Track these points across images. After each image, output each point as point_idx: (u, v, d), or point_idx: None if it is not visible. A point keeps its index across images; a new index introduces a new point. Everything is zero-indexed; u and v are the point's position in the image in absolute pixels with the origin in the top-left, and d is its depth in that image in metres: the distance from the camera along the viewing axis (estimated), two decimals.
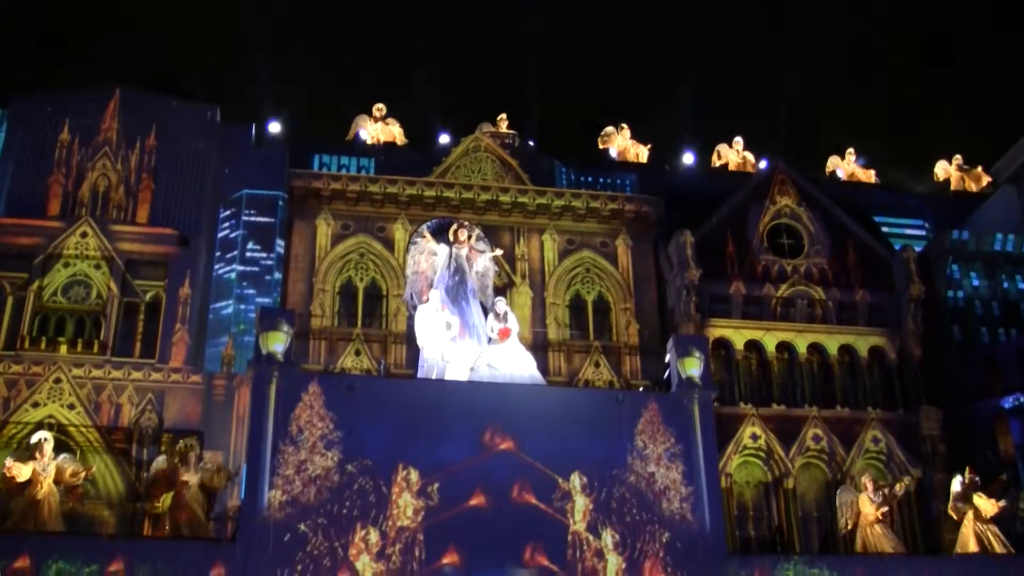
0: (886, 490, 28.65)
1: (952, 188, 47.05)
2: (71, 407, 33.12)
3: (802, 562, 24.87)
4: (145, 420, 32.90)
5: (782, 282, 36.68)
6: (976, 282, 40.04)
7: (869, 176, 46.51)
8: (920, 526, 32.41)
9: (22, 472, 25.13)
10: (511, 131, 41.84)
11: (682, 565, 23.93)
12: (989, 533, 27.63)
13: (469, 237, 29.39)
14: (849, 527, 28.69)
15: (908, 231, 43.46)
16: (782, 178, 38.92)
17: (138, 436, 32.32)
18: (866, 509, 28.18)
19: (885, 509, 28.25)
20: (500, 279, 33.79)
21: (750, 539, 32.94)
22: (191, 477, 26.13)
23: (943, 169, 47.50)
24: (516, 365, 26.90)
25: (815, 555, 26.59)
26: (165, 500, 26.10)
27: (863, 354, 36.17)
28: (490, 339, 27.78)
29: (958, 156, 47.46)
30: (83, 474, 26.36)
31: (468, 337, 27.73)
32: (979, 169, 47.28)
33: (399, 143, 41.86)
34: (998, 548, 27.36)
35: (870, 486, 28.40)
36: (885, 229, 41.81)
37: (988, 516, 27.87)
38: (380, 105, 42.43)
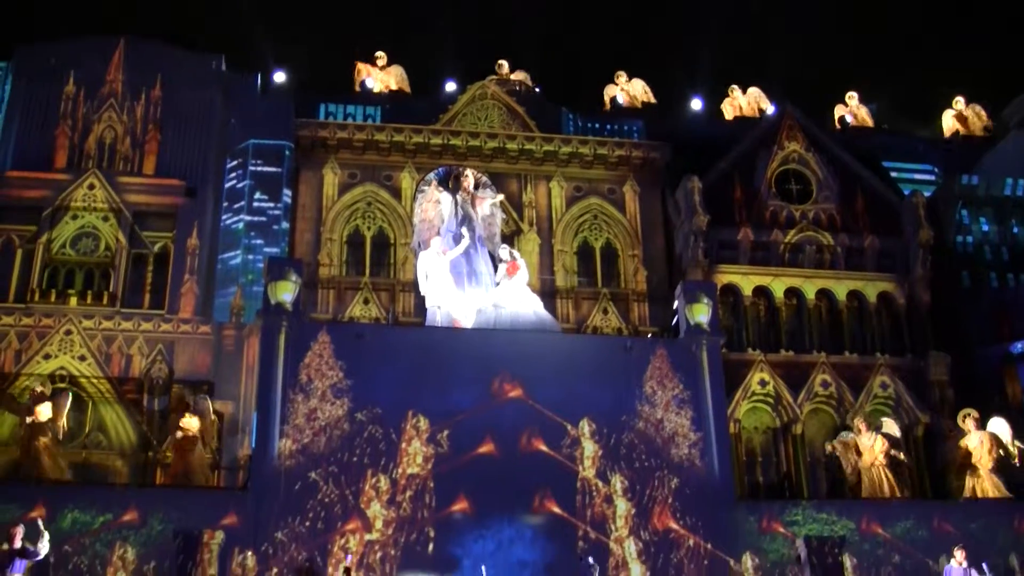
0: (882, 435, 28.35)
1: (959, 132, 46.71)
2: (82, 359, 33.22)
3: (810, 507, 24.98)
4: (156, 371, 33.00)
5: (790, 228, 36.59)
6: (986, 227, 39.85)
7: (877, 122, 46.18)
8: (928, 471, 32.48)
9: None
10: (522, 73, 41.55)
11: (691, 510, 24.07)
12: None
13: (472, 184, 29.29)
14: (850, 472, 28.47)
15: (917, 176, 43.16)
16: (790, 123, 38.73)
17: (149, 387, 32.41)
18: (863, 452, 27.90)
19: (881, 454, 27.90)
20: (508, 226, 33.73)
21: (758, 485, 33.06)
22: (189, 422, 25.87)
23: (950, 116, 47.14)
24: (521, 303, 26.92)
25: (823, 500, 26.64)
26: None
27: (872, 300, 36.14)
28: (498, 282, 27.77)
29: (960, 98, 47.05)
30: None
31: (476, 285, 27.72)
32: (980, 110, 46.85)
33: (405, 91, 41.63)
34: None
35: (863, 428, 28.08)
36: (894, 174, 41.58)
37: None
38: (381, 53, 42.14)
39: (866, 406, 33.47)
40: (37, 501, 21.74)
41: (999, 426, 28.56)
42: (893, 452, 28.03)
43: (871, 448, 27.64)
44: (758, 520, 24.37)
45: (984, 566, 22.51)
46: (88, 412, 32.42)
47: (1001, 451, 28.13)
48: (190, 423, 25.48)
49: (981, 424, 28.94)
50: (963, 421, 29.20)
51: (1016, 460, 27.93)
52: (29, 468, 24.39)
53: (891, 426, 28.78)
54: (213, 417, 26.28)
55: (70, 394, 26.27)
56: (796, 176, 37.83)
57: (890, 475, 27.40)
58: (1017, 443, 28.04)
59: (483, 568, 20.77)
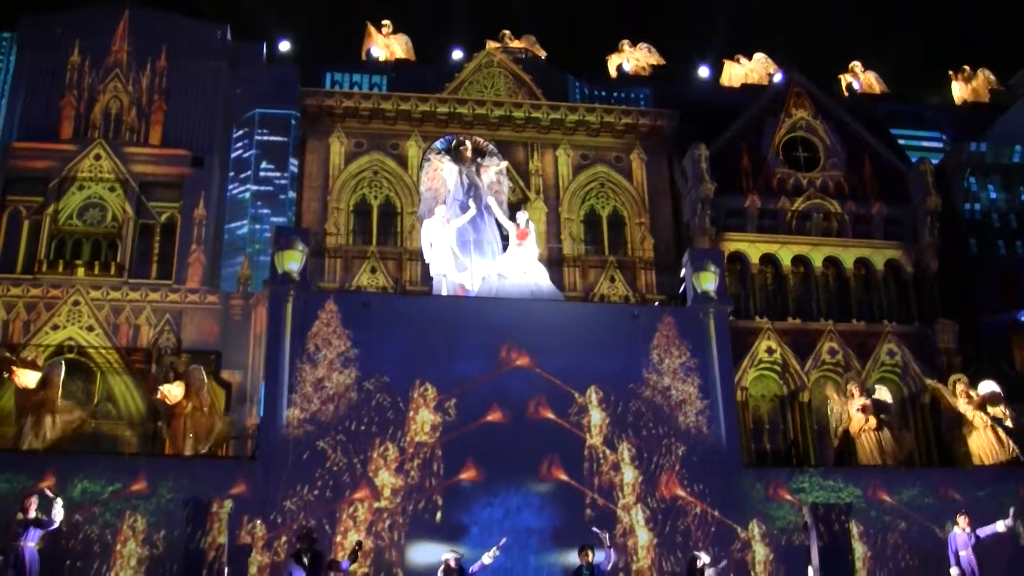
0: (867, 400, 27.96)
1: (967, 99, 46.51)
2: (90, 329, 33.31)
3: (817, 474, 25.01)
4: (163, 341, 33.09)
5: (797, 195, 36.54)
6: (993, 194, 39.73)
7: (885, 89, 46.01)
8: (935, 438, 32.50)
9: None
10: (529, 38, 41.42)
11: (698, 478, 24.10)
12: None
13: (474, 152, 29.23)
14: (838, 438, 28.21)
15: (925, 143, 43.05)
16: (797, 91, 38.62)
17: (157, 357, 32.50)
18: (854, 417, 27.65)
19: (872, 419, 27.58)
20: (514, 195, 33.69)
21: (765, 452, 33.14)
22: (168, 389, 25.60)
23: (959, 83, 46.93)
24: (526, 274, 26.89)
25: (830, 467, 26.66)
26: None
27: (879, 267, 36.11)
28: (505, 246, 27.75)
29: (966, 67, 46.88)
30: None
31: (481, 254, 27.71)
32: (989, 75, 46.65)
33: (411, 59, 41.52)
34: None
35: (856, 392, 27.84)
36: (901, 142, 41.46)
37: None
38: (386, 22, 42.02)
39: (873, 373, 33.49)
40: (47, 471, 21.82)
41: (990, 387, 28.43)
42: (875, 413, 27.51)
43: (859, 409, 27.39)
44: (765, 487, 24.40)
45: (1011, 512, 22.64)
46: (97, 382, 32.54)
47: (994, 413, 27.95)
48: (169, 390, 25.22)
49: (972, 387, 28.80)
50: (953, 386, 29.09)
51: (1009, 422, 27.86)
52: (16, 438, 24.33)
53: (883, 393, 28.57)
54: (204, 381, 25.89)
55: (62, 363, 26.20)
56: (803, 143, 37.75)
57: (878, 438, 27.11)
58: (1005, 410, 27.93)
59: (502, 541, 20.74)
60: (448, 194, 28.88)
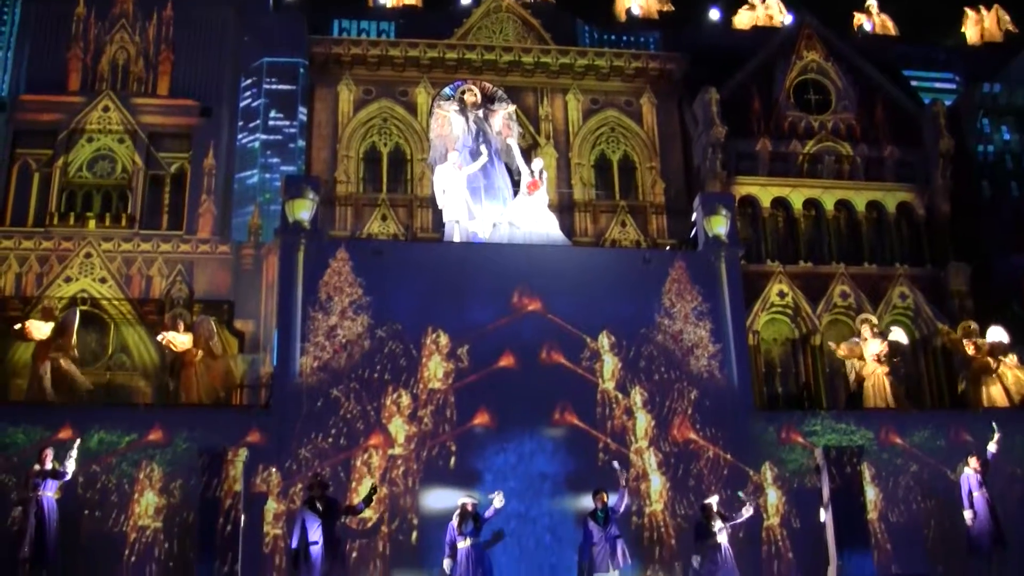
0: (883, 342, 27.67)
1: (981, 40, 46.10)
2: (102, 281, 33.41)
3: (829, 417, 25.01)
4: (176, 291, 33.17)
5: (809, 138, 36.36)
6: (1007, 136, 39.51)
7: (897, 29, 45.63)
8: (947, 381, 32.50)
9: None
10: None
11: (710, 422, 24.12)
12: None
13: (483, 97, 29.07)
14: (853, 379, 27.77)
15: (938, 85, 42.79)
16: (809, 32, 38.30)
17: (170, 307, 32.58)
18: (867, 357, 27.20)
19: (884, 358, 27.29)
20: (524, 140, 33.54)
21: (777, 395, 33.21)
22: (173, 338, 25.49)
23: (972, 23, 46.50)
24: (537, 223, 26.80)
25: (842, 410, 26.69)
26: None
27: (891, 210, 35.99)
28: (516, 192, 27.65)
29: (980, 6, 46.46)
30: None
31: (493, 199, 27.62)
32: (1003, 14, 46.22)
33: (419, 5, 41.24)
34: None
35: (867, 333, 27.63)
36: (914, 83, 41.20)
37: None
38: None
39: (885, 316, 33.45)
40: (64, 422, 21.93)
41: (998, 335, 28.16)
42: (889, 357, 27.20)
43: (875, 355, 27.12)
44: (777, 431, 24.40)
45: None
46: (110, 334, 32.67)
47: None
48: (175, 337, 25.08)
49: (981, 334, 28.55)
50: (963, 333, 28.89)
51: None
52: (35, 391, 24.33)
53: (899, 335, 28.42)
54: (213, 331, 25.71)
55: (76, 310, 26.21)
56: (815, 86, 37.51)
57: (889, 382, 26.90)
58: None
59: (499, 495, 20.74)
60: (457, 140, 28.70)
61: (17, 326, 25.86)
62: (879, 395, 26.56)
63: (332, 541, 19.51)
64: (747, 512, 21.53)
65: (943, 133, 36.07)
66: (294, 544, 19.59)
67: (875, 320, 28.37)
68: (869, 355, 27.00)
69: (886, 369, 26.81)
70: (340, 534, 20.05)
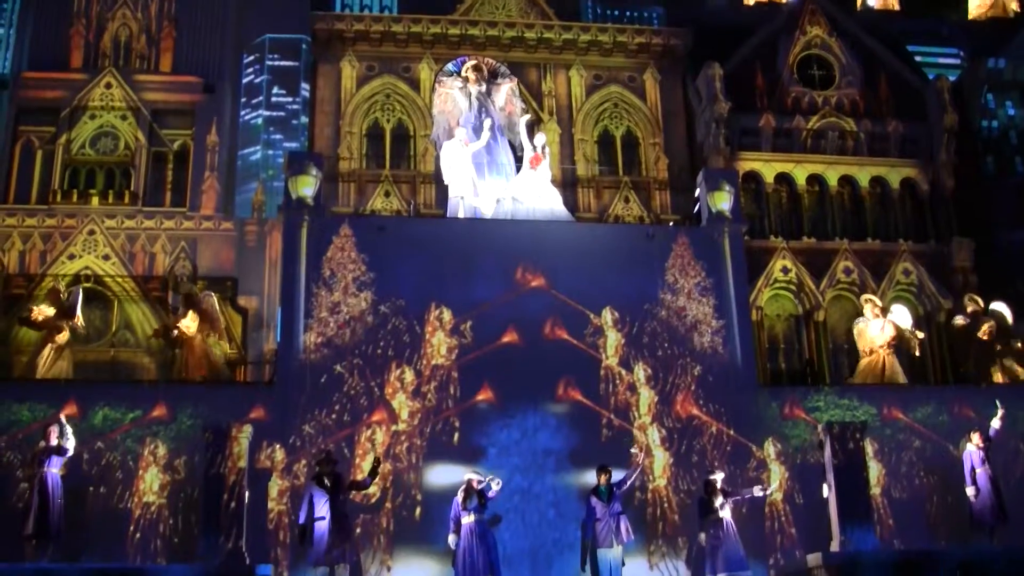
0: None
1: (984, 15, 46.00)
2: (106, 258, 33.47)
3: (832, 393, 25.00)
4: (179, 268, 33.25)
5: (813, 114, 36.25)
6: (1012, 111, 39.47)
7: (901, 4, 45.53)
8: (950, 357, 32.49)
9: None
10: None
11: (713, 397, 24.12)
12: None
13: (484, 73, 28.98)
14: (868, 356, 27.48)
15: (942, 60, 42.77)
16: (813, 7, 38.13)
17: (173, 284, 32.66)
18: (870, 335, 27.03)
19: (890, 336, 27.03)
20: (526, 113, 33.44)
21: (781, 371, 33.23)
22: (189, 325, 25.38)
23: (977, 1, 46.39)
24: (540, 199, 26.78)
25: (845, 386, 26.70)
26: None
27: (895, 186, 35.92)
28: (519, 168, 27.62)
29: None
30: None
31: (496, 175, 27.59)
32: None
33: None
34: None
35: (869, 312, 27.50)
36: (919, 58, 41.14)
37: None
38: None
39: (888, 292, 33.42)
40: (68, 399, 21.98)
41: (900, 315, 27.69)
42: (908, 332, 27.01)
43: (879, 334, 26.98)
44: (780, 406, 24.40)
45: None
46: (114, 311, 32.77)
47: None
48: (188, 327, 24.94)
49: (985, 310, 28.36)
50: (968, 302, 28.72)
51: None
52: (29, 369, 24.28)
53: (902, 314, 28.09)
54: (214, 305, 25.57)
55: (80, 290, 26.19)
56: (819, 61, 37.38)
57: (891, 361, 26.69)
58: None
59: (497, 481, 20.74)
60: (461, 116, 28.64)
61: (24, 313, 25.89)
62: (874, 374, 26.49)
63: (339, 516, 19.61)
64: (758, 492, 21.61)
65: (947, 108, 35.94)
66: (301, 519, 19.73)
67: (878, 300, 28.23)
68: (869, 336, 26.94)
69: (889, 350, 26.68)
70: (347, 510, 20.13)
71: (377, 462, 20.58)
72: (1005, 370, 26.93)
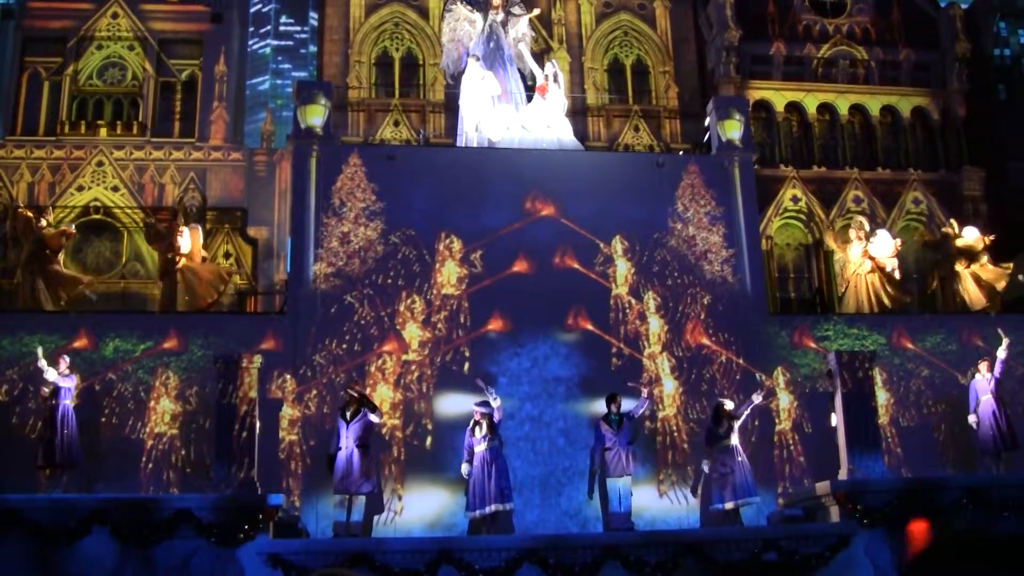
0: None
1: None
2: (115, 189, 33.46)
3: (842, 321, 25.01)
4: (189, 199, 33.19)
5: (824, 42, 36.04)
6: None
7: None
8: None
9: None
10: None
11: (723, 326, 24.12)
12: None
13: (505, 1, 28.67)
14: (844, 289, 27.56)
15: None
16: None
17: (183, 215, 32.63)
18: (853, 259, 26.94)
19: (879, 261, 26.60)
20: (537, 45, 33.19)
21: (790, 300, 33.32)
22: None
23: None
24: (548, 128, 26.60)
25: (854, 315, 26.72)
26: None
27: (906, 115, 35.77)
28: (529, 96, 27.45)
29: None
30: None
31: (506, 103, 27.41)
32: None
33: None
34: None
35: (853, 235, 27.26)
36: None
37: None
38: None
39: (898, 221, 33.40)
40: (79, 330, 22.05)
41: (880, 244, 27.44)
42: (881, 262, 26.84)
43: (860, 259, 26.80)
44: (790, 335, 24.42)
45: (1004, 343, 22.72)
46: (124, 242, 32.80)
47: None
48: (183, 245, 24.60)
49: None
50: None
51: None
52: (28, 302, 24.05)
53: (881, 241, 27.75)
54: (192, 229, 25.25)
55: (73, 227, 26.06)
56: None
57: (877, 284, 26.54)
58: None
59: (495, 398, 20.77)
60: (472, 42, 28.35)
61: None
62: (861, 297, 26.45)
63: (359, 448, 19.76)
64: (756, 398, 21.61)
65: (959, 36, 35.69)
66: (332, 450, 19.94)
67: (866, 224, 28.01)
68: (852, 257, 26.84)
69: (868, 268, 26.51)
70: (369, 441, 20.22)
71: (360, 395, 20.51)
72: (963, 291, 26.87)
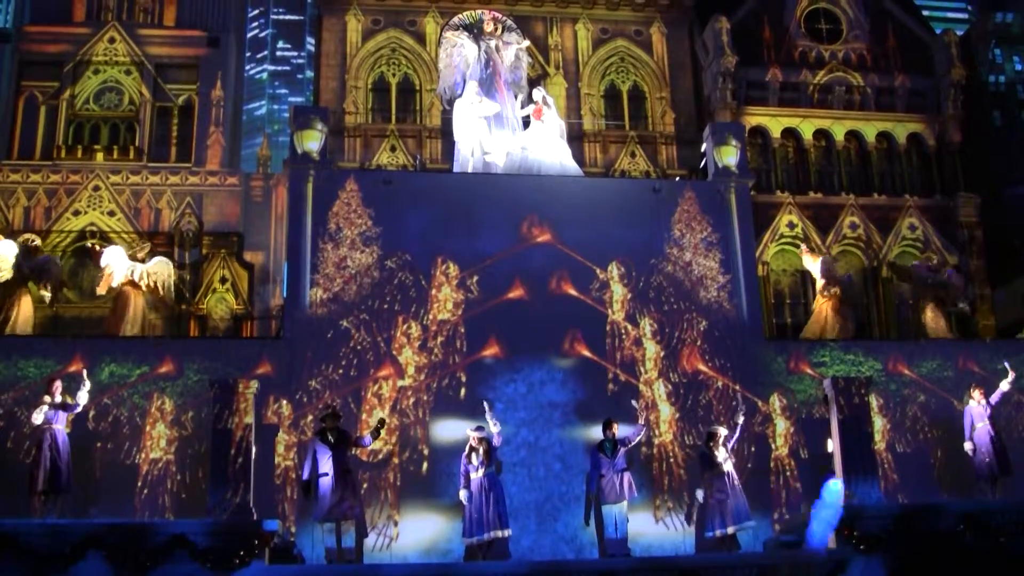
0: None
1: None
2: (111, 214, 33.47)
3: (837, 347, 24.99)
4: (185, 223, 33.23)
5: (820, 68, 36.15)
6: (1019, 66, 39.33)
7: None
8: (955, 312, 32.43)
9: None
10: None
11: (719, 352, 24.11)
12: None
13: (497, 28, 28.77)
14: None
15: (950, 14, 42.56)
16: None
17: (179, 239, 32.66)
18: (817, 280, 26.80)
19: (834, 289, 26.46)
20: (534, 70, 33.33)
21: (786, 326, 33.30)
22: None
23: None
24: (548, 150, 26.66)
25: (850, 340, 26.73)
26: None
27: (901, 140, 35.86)
28: (527, 123, 27.50)
29: None
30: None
31: (502, 129, 27.45)
32: None
33: None
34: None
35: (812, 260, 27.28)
36: (926, 12, 40.87)
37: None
38: None
39: (894, 247, 33.44)
40: (74, 355, 21.99)
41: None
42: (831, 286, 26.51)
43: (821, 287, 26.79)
44: (786, 361, 24.38)
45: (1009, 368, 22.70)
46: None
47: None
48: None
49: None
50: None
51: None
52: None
53: (809, 262, 27.56)
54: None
55: (56, 259, 25.99)
56: (826, 15, 37.21)
57: (827, 310, 26.45)
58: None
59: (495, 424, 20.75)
60: (467, 70, 28.43)
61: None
62: (818, 325, 26.50)
63: (343, 472, 19.67)
64: (740, 419, 21.57)
65: (955, 62, 35.82)
66: (305, 475, 19.78)
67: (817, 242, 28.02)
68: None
69: (830, 302, 26.51)
70: (351, 465, 20.19)
71: (381, 423, 20.54)
72: (931, 319, 26.91)
